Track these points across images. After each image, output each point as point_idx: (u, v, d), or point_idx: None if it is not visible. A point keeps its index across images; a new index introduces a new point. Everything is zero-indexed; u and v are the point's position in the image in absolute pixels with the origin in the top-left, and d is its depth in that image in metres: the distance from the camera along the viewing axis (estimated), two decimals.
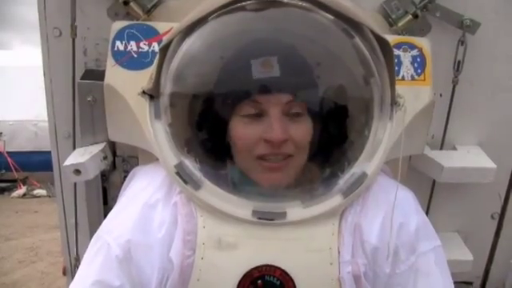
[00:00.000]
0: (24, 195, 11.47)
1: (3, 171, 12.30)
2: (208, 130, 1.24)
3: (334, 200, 1.20)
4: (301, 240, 1.21)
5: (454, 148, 1.74)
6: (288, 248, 1.20)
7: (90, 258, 1.23)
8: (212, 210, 1.19)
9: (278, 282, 1.18)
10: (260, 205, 1.20)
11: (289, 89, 1.14)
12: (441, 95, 1.65)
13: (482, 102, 1.70)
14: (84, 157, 1.54)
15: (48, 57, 1.63)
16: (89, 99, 1.54)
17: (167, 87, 1.23)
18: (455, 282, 1.84)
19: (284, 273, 1.18)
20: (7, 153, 12.10)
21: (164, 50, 1.22)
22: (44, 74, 1.64)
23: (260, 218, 1.19)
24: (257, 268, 1.19)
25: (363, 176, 1.22)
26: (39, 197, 11.37)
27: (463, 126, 1.72)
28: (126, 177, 1.60)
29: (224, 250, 1.19)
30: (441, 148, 1.73)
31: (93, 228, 1.68)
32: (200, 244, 1.18)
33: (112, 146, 1.65)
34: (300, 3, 1.17)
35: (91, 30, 1.58)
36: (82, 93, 1.56)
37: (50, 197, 11.33)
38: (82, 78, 1.57)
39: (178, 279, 1.18)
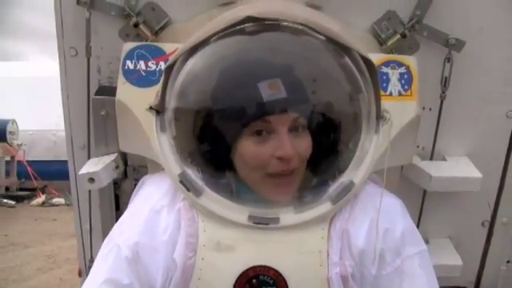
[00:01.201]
0: (43, 203, 11.55)
1: (23, 180, 12.43)
2: (210, 143, 1.30)
3: (324, 207, 1.27)
4: (293, 243, 1.27)
5: (444, 159, 1.80)
6: (281, 250, 1.27)
7: (102, 258, 1.32)
8: (212, 215, 1.27)
9: (272, 281, 1.25)
10: (255, 210, 1.27)
11: (294, 108, 1.21)
12: (430, 109, 1.71)
13: (469, 115, 1.76)
14: (98, 166, 1.63)
15: (65, 74, 1.73)
16: (102, 113, 1.64)
17: (171, 103, 1.31)
18: (449, 287, 1.93)
19: (277, 273, 1.25)
20: (27, 162, 12.26)
21: (169, 69, 1.30)
22: (61, 90, 1.74)
23: (255, 223, 1.26)
24: (252, 268, 1.25)
25: (351, 185, 1.29)
26: (58, 205, 11.45)
27: (452, 137, 1.78)
28: (136, 185, 1.69)
29: (222, 252, 1.26)
30: (430, 159, 1.79)
31: (106, 232, 1.75)
32: (201, 246, 1.26)
33: (123, 156, 1.74)
34: (295, 26, 1.25)
35: (104, 49, 1.68)
36: (95, 107, 1.66)
37: (68, 205, 11.40)
38: (96, 93, 1.67)
39: (180, 278, 1.26)
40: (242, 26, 1.24)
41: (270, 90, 1.19)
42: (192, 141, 1.31)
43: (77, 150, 1.81)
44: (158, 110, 1.33)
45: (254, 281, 1.26)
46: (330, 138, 1.32)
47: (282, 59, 1.26)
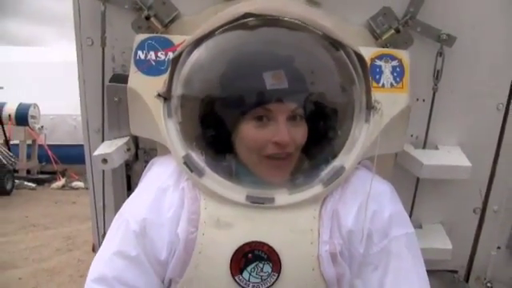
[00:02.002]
0: (63, 187, 11.72)
1: (44, 163, 12.65)
2: (213, 128, 1.39)
3: (316, 189, 1.36)
4: (286, 221, 1.36)
5: (436, 148, 1.87)
6: (275, 228, 1.35)
7: (112, 232, 1.44)
8: (213, 195, 1.36)
9: (266, 256, 1.33)
10: (253, 191, 1.36)
11: (294, 98, 1.31)
12: (423, 100, 1.79)
13: (461, 107, 1.83)
14: (110, 148, 1.74)
15: (82, 62, 1.84)
16: (115, 99, 1.75)
17: (177, 91, 1.41)
18: (440, 270, 2.02)
19: (271, 248, 1.33)
20: (47, 145, 12.46)
21: (175, 59, 1.40)
22: (78, 77, 1.85)
23: (252, 202, 1.35)
24: (248, 243, 1.33)
25: (341, 169, 1.37)
26: (77, 189, 11.59)
27: (444, 128, 1.86)
28: (146, 166, 1.84)
29: (221, 228, 1.35)
30: (423, 147, 1.87)
31: (118, 209, 1.88)
32: (202, 222, 1.35)
33: (135, 139, 1.84)
34: (295, 20, 1.33)
35: (118, 40, 1.78)
36: (109, 94, 1.77)
37: (87, 189, 11.63)
38: (110, 81, 1.77)
39: (183, 251, 1.35)
40: (242, 21, 1.33)
41: (273, 80, 1.27)
42: (196, 126, 1.40)
43: (92, 134, 1.91)
44: (165, 97, 1.42)
45: (250, 255, 1.34)
46: (324, 126, 1.40)
47: (282, 52, 1.34)
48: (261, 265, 1.34)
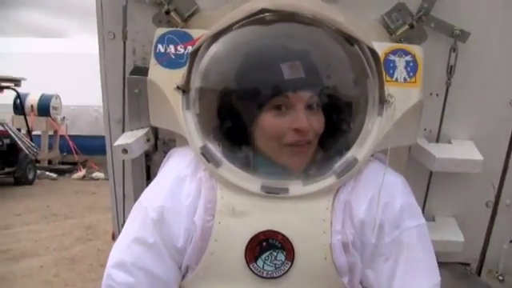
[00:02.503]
0: (83, 177, 11.87)
1: (65, 154, 12.82)
2: (230, 119, 1.43)
3: (329, 180, 1.39)
4: (300, 211, 1.39)
5: (449, 142, 1.89)
6: (289, 217, 1.38)
7: (131, 220, 1.49)
8: (229, 184, 1.39)
9: (280, 245, 1.36)
10: (267, 181, 1.39)
11: (311, 87, 1.35)
12: (437, 95, 1.81)
13: (474, 101, 1.84)
14: (130, 139, 1.78)
15: (103, 55, 1.89)
16: (136, 91, 1.79)
17: (196, 83, 1.45)
18: (452, 263, 2.04)
19: (284, 237, 1.36)
20: (69, 136, 12.63)
21: (194, 53, 1.44)
22: (100, 69, 1.90)
23: (267, 192, 1.38)
24: (263, 232, 1.36)
25: (354, 161, 1.40)
26: (97, 179, 11.72)
27: (457, 122, 1.87)
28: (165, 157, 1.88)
29: (237, 217, 1.38)
30: (437, 141, 1.89)
31: (137, 198, 1.92)
32: (218, 211, 1.38)
33: (155, 130, 1.88)
34: (310, 15, 1.37)
35: (139, 33, 1.82)
36: (130, 86, 1.81)
37: (107, 180, 11.74)
38: (131, 73, 1.82)
39: (199, 239, 1.39)
40: (259, 16, 1.36)
41: (290, 70, 1.32)
42: (214, 117, 1.44)
43: (113, 124, 1.96)
44: (184, 89, 1.47)
45: (264, 244, 1.36)
46: (337, 118, 1.43)
47: (298, 46, 1.38)
48: (275, 253, 1.37)
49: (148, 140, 1.85)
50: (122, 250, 1.46)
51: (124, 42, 1.82)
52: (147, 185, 1.91)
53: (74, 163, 12.53)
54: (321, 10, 1.39)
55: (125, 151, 1.78)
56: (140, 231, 1.44)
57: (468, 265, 2.10)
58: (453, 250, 1.90)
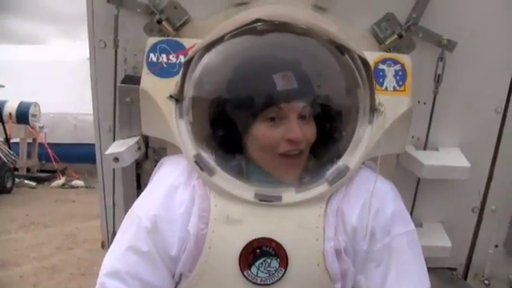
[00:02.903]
0: (63, 185, 11.75)
1: (44, 162, 12.68)
2: (224, 129, 1.44)
3: (322, 188, 1.41)
4: (293, 219, 1.41)
5: (437, 149, 1.93)
6: (282, 225, 1.40)
7: (124, 229, 1.49)
8: (222, 193, 1.41)
9: (273, 252, 1.38)
10: (261, 189, 1.41)
11: (303, 97, 1.36)
12: (424, 103, 1.85)
13: (461, 110, 1.89)
14: (122, 147, 1.78)
15: (94, 64, 1.88)
16: (127, 100, 1.79)
17: (189, 93, 1.46)
18: (439, 268, 2.08)
19: (278, 244, 1.38)
20: (48, 144, 12.49)
21: (187, 63, 1.46)
22: (91, 78, 1.90)
23: (261, 200, 1.40)
24: (256, 240, 1.38)
25: (346, 169, 1.42)
26: (77, 187, 11.62)
27: (444, 130, 1.91)
28: (156, 165, 1.87)
29: (231, 225, 1.40)
30: (424, 148, 1.92)
31: (128, 207, 1.89)
32: (212, 219, 1.40)
33: (145, 139, 1.89)
34: (302, 25, 1.39)
35: (130, 42, 1.83)
36: (121, 95, 1.81)
37: (87, 188, 11.54)
38: (122, 82, 1.82)
39: (193, 247, 1.40)
40: (251, 26, 1.38)
41: (283, 81, 1.34)
42: (207, 126, 1.45)
43: (103, 133, 1.96)
44: (177, 98, 1.48)
45: (258, 251, 1.38)
46: (329, 126, 1.45)
47: (290, 56, 1.40)
48: (268, 260, 1.39)
49: (139, 148, 1.86)
50: (115, 258, 1.46)
51: (115, 51, 1.83)
52: (138, 193, 1.93)
53: (53, 171, 12.39)
54: (314, 20, 1.42)
55: (116, 160, 1.78)
56: (134, 240, 1.44)
57: (454, 269, 2.13)
58: (440, 256, 1.93)
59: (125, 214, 1.85)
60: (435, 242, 1.92)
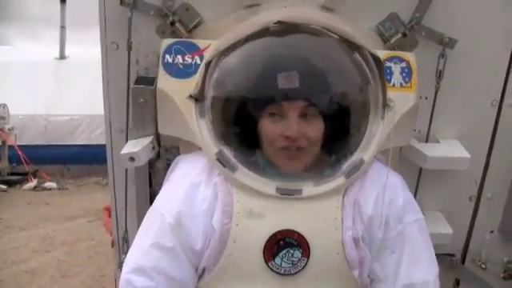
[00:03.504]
0: (35, 188, 11.50)
1: (14, 164, 12.41)
2: (241, 126, 1.53)
3: (339, 180, 1.50)
4: (313, 211, 1.50)
5: (437, 141, 2.02)
6: (303, 217, 1.49)
7: (147, 226, 1.54)
8: (245, 188, 1.48)
9: (296, 243, 1.46)
10: (281, 184, 1.49)
11: (305, 96, 1.44)
12: (426, 98, 1.93)
13: (460, 104, 1.98)
14: (137, 147, 1.80)
15: (106, 65, 1.90)
16: (141, 101, 1.81)
17: (210, 93, 1.53)
18: (440, 254, 2.17)
19: (300, 235, 1.47)
20: (18, 146, 12.23)
21: (207, 64, 1.53)
22: (103, 79, 1.92)
23: (282, 194, 1.48)
24: (280, 231, 1.47)
25: (361, 162, 1.52)
26: (50, 189, 11.40)
27: (444, 123, 2.00)
28: (168, 164, 1.87)
29: (254, 219, 1.48)
30: (426, 141, 2.01)
31: (140, 206, 1.98)
32: (235, 213, 1.47)
33: (157, 138, 1.90)
34: (314, 26, 1.47)
35: (142, 44, 1.86)
36: (135, 95, 1.83)
37: (60, 189, 11.39)
38: (135, 83, 1.84)
39: (218, 241, 1.47)
40: (271, 28, 1.46)
41: (285, 80, 1.41)
42: (226, 124, 1.53)
43: (114, 133, 1.99)
44: (197, 98, 1.55)
45: (282, 242, 1.47)
46: (343, 123, 1.53)
47: (301, 56, 1.48)
48: (291, 251, 1.47)
49: (153, 148, 1.89)
50: (139, 255, 1.51)
51: (129, 53, 1.85)
52: (150, 193, 1.97)
53: (25, 173, 12.13)
54: (329, 21, 1.50)
55: (132, 159, 1.80)
56: (158, 236, 1.49)
57: (453, 255, 2.22)
58: (442, 242, 2.02)
59: (136, 212, 1.91)
60: (437, 229, 2.00)
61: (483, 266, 2.21)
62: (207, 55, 1.59)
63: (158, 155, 1.98)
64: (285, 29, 1.48)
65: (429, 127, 2.01)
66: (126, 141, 1.93)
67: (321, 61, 1.50)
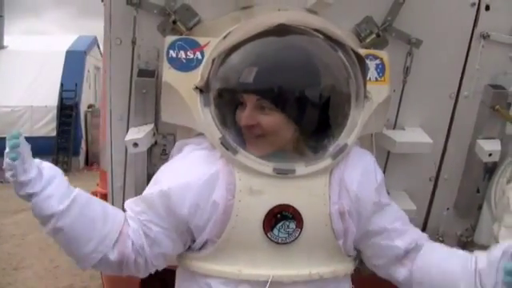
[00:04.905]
0: None
1: None
2: (234, 114, 1.69)
3: (326, 162, 1.67)
4: (305, 188, 1.67)
5: (403, 128, 2.26)
6: (297, 193, 1.66)
7: (145, 190, 1.74)
8: (245, 168, 1.63)
9: (291, 216, 1.64)
10: (277, 164, 1.65)
11: (256, 91, 1.61)
12: (394, 91, 2.15)
13: (423, 96, 2.22)
14: (140, 134, 1.97)
15: (110, 59, 2.04)
16: (143, 91, 1.98)
17: (214, 84, 1.69)
18: None
19: (295, 209, 1.64)
20: None
21: (212, 60, 1.69)
22: (106, 72, 2.07)
23: (278, 173, 1.64)
24: (277, 206, 1.64)
25: (345, 146, 1.70)
26: None
27: (410, 113, 2.24)
28: (164, 149, 2.06)
29: (254, 195, 1.64)
30: (393, 128, 2.25)
31: (138, 188, 2.10)
32: (238, 191, 1.63)
33: (155, 126, 2.08)
34: (305, 28, 1.65)
35: (144, 40, 2.00)
36: (137, 87, 1.99)
37: (2, 182, 11.18)
38: (138, 75, 2.00)
39: (222, 215, 1.63)
40: (266, 29, 1.63)
41: (246, 75, 1.61)
42: (228, 113, 1.70)
43: (114, 121, 2.12)
44: (202, 89, 1.71)
45: (279, 215, 1.64)
46: (328, 112, 1.69)
47: (276, 54, 1.65)
48: (287, 223, 1.65)
49: (154, 134, 2.05)
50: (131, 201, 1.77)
51: (133, 48, 1.99)
52: (147, 176, 2.11)
53: None
54: (325, 25, 1.69)
55: (136, 145, 1.97)
56: (148, 195, 1.71)
57: None
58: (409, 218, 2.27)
59: (135, 195, 2.05)
60: (403, 206, 2.12)
61: (440, 238, 2.41)
62: (213, 52, 1.75)
63: (155, 141, 2.12)
64: (286, 30, 1.64)
65: (396, 116, 2.24)
66: (127, 128, 2.07)
67: (315, 57, 1.67)
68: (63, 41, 16.48)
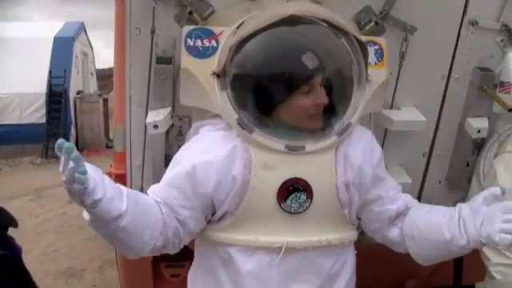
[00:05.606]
0: None
1: None
2: (259, 98, 1.80)
3: (333, 139, 1.82)
4: (314, 163, 1.82)
5: (399, 108, 2.42)
6: (307, 167, 1.81)
7: (169, 169, 1.88)
8: (260, 146, 1.77)
9: (302, 188, 1.79)
10: (289, 142, 1.79)
11: (325, 71, 1.76)
12: (391, 73, 2.30)
13: (418, 78, 2.39)
14: (159, 116, 2.11)
15: (130, 48, 2.18)
16: (162, 77, 2.13)
17: (232, 70, 1.81)
18: None
19: (305, 182, 1.79)
20: None
21: (230, 48, 1.81)
22: (126, 60, 2.20)
23: (290, 150, 1.78)
24: (289, 179, 1.78)
25: (349, 124, 1.85)
26: None
27: (405, 93, 2.40)
28: (180, 131, 2.20)
29: (268, 170, 1.78)
30: (391, 108, 2.41)
31: (156, 167, 2.28)
32: (254, 166, 1.77)
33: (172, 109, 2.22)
34: (315, 20, 1.78)
35: (161, 29, 2.14)
36: (157, 73, 2.13)
37: None
38: (157, 62, 2.14)
39: (240, 189, 1.77)
40: (285, 19, 1.76)
41: (310, 61, 1.73)
42: (246, 96, 1.81)
43: (133, 107, 2.27)
44: (220, 74, 1.84)
45: (291, 188, 1.78)
46: (335, 93, 1.85)
47: (313, 41, 1.79)
48: (299, 194, 1.81)
49: (172, 117, 2.19)
50: (157, 188, 1.88)
51: (152, 37, 2.13)
52: (165, 155, 2.27)
53: None
54: (330, 15, 1.83)
55: (156, 126, 2.11)
56: (174, 179, 1.84)
57: None
58: (404, 190, 2.45)
59: (152, 174, 2.21)
60: (399, 179, 2.30)
61: None
62: (231, 41, 1.86)
63: (172, 123, 2.26)
64: (296, 20, 1.78)
65: (393, 97, 2.40)
66: (146, 112, 2.21)
67: (324, 45, 1.82)
68: (51, 27, 16.34)
